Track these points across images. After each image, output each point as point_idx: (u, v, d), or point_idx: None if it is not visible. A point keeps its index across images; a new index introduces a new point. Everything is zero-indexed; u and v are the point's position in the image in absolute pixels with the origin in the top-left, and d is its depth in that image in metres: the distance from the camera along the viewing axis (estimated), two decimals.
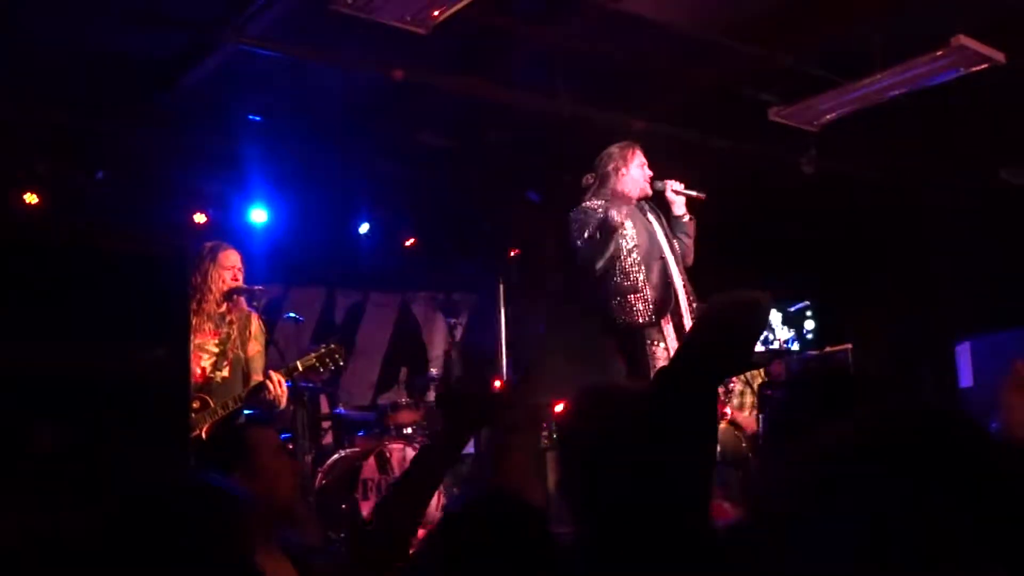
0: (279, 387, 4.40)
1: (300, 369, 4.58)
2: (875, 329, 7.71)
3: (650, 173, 4.81)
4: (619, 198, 4.66)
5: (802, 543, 0.95)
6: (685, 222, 4.86)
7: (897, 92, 5.63)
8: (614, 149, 4.84)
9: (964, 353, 5.26)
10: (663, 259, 4.69)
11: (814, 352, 6.40)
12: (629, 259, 4.62)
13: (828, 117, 6.05)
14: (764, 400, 5.66)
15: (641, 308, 4.56)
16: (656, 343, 4.55)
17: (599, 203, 4.67)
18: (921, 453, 0.90)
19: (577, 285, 5.03)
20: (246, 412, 4.42)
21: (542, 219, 8.13)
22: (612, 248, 4.59)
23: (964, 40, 5.01)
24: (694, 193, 4.85)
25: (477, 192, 8.03)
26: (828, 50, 5.74)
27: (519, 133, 7.04)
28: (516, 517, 1.50)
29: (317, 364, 4.67)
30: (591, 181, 4.82)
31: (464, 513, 1.57)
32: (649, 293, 4.58)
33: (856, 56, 5.59)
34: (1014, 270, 7.50)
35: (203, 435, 4.25)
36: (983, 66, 5.25)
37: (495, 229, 8.19)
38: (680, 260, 4.79)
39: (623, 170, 4.74)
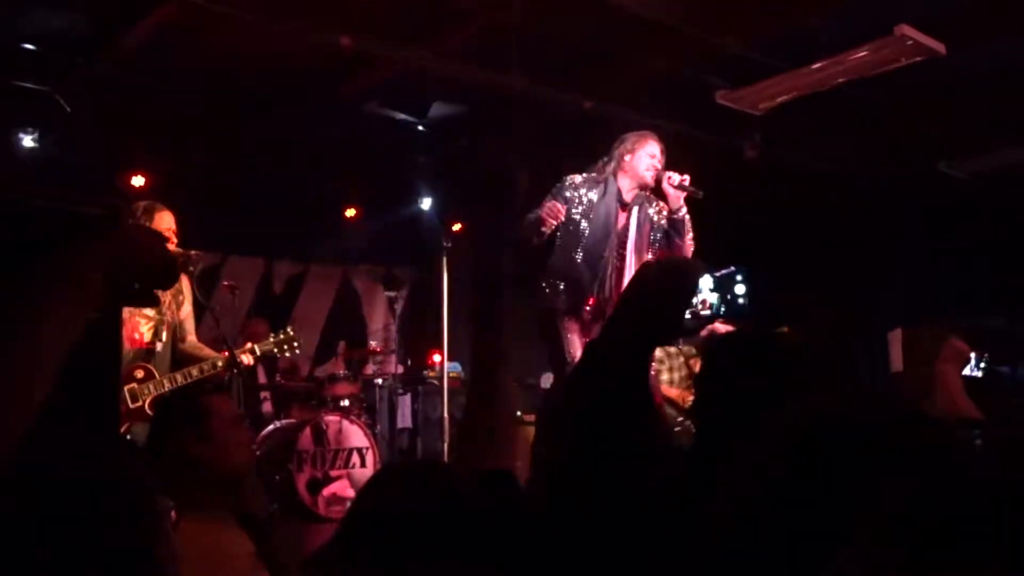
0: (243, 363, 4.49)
1: (258, 353, 4.58)
2: (809, 309, 7.83)
3: (658, 167, 4.65)
4: (607, 179, 4.65)
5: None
6: (678, 219, 4.67)
7: (840, 80, 5.71)
8: (630, 135, 4.74)
9: (896, 339, 5.38)
10: (603, 257, 4.60)
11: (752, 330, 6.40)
12: (573, 243, 4.59)
13: (772, 102, 6.11)
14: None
15: (557, 294, 4.55)
16: (570, 323, 4.52)
17: (580, 178, 4.67)
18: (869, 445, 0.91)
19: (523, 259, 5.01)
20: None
21: (487, 194, 8.11)
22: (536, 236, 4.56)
23: (907, 30, 5.08)
24: (692, 189, 4.61)
25: (422, 165, 7.97)
26: (776, 37, 5.77)
27: (468, 108, 7.00)
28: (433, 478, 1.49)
29: (275, 350, 4.67)
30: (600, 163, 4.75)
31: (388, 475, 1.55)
32: (571, 282, 4.54)
33: (803, 44, 5.65)
34: (948, 260, 7.69)
35: (147, 407, 4.17)
36: (924, 57, 5.33)
37: (438, 203, 8.14)
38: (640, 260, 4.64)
39: (627, 157, 4.66)
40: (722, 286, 7.30)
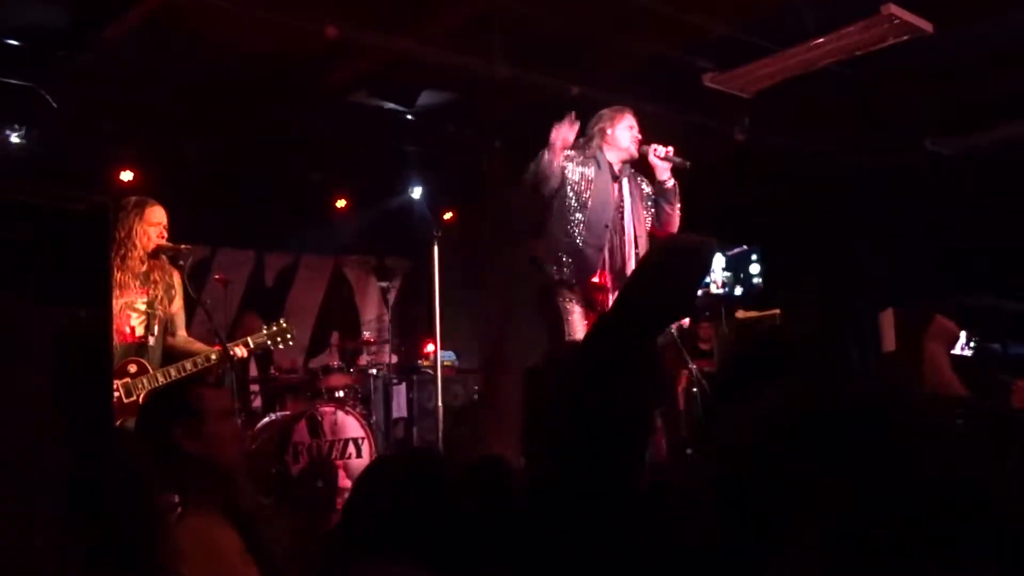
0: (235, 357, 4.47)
1: (252, 346, 4.56)
2: (804, 292, 7.85)
3: (638, 137, 4.75)
4: (596, 155, 4.69)
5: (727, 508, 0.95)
6: (667, 188, 4.77)
7: (829, 60, 5.70)
8: (605, 111, 4.83)
9: (887, 319, 5.39)
10: (607, 227, 4.65)
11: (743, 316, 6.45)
12: (573, 218, 4.62)
13: (761, 84, 6.10)
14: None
15: (559, 269, 4.59)
16: (571, 303, 4.56)
17: (571, 152, 4.67)
18: (851, 426, 0.90)
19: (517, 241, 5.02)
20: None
21: (478, 182, 8.10)
22: (545, 187, 4.58)
23: (893, 9, 5.08)
24: (678, 160, 4.72)
25: (412, 154, 7.95)
26: (764, 19, 5.76)
27: (454, 96, 6.98)
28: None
29: (268, 342, 4.65)
30: (580, 141, 4.77)
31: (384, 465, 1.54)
32: (576, 255, 4.59)
33: (790, 25, 5.64)
34: (940, 240, 7.71)
35: (141, 402, 4.15)
36: (911, 36, 5.33)
37: (428, 192, 8.12)
38: (642, 231, 4.74)
39: (608, 131, 4.73)
40: (736, 265, 7.26)
